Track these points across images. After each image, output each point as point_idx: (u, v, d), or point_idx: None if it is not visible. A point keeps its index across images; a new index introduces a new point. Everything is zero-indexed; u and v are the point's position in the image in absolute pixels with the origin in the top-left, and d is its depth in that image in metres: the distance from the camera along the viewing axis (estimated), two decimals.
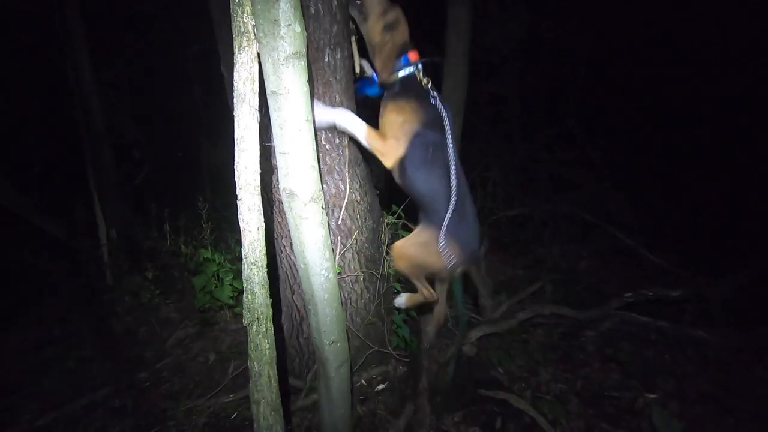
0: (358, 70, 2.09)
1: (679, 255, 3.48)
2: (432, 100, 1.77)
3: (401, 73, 1.81)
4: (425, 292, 2.07)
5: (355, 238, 2.20)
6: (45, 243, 4.96)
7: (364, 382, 2.34)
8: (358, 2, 1.84)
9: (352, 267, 2.24)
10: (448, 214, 1.79)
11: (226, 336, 3.09)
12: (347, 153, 2.10)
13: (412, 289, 2.18)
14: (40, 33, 4.65)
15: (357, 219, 2.20)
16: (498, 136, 5.04)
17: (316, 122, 1.54)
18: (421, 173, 1.78)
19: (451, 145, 1.76)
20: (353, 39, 2.03)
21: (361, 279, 2.28)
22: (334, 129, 2.02)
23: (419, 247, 1.92)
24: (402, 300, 2.24)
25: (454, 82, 3.36)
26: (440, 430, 2.03)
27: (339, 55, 1.95)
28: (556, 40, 5.19)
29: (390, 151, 1.77)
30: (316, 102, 1.78)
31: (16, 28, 4.67)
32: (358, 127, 1.80)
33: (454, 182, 1.78)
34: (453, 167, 1.78)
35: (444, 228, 1.79)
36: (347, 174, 2.11)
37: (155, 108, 5.71)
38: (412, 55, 1.82)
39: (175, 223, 4.16)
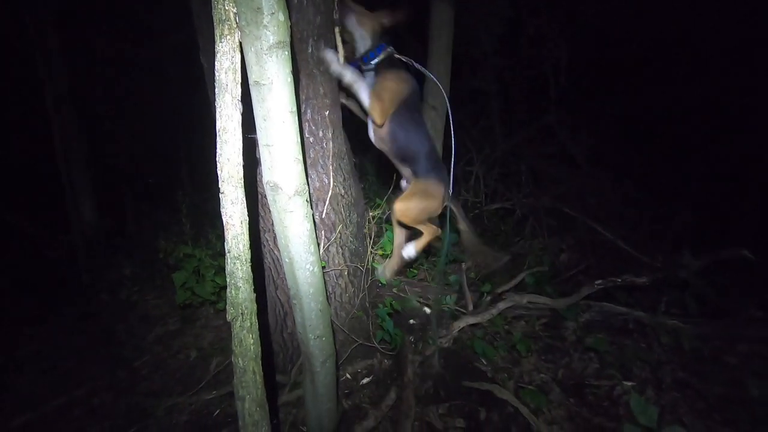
0: (342, 60, 2.07)
1: (658, 246, 3.58)
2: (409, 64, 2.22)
3: (383, 55, 2.16)
4: (431, 229, 2.40)
5: (339, 232, 2.18)
6: (17, 240, 4.79)
7: (349, 376, 2.34)
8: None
9: (337, 261, 2.23)
10: (432, 162, 2.26)
11: (207, 332, 3.04)
12: (331, 146, 2.08)
13: None
14: (6, 24, 4.45)
15: (341, 213, 2.19)
16: (480, 130, 5.07)
17: (330, 69, 2.00)
18: (406, 129, 2.18)
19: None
20: (337, 30, 2.01)
21: (346, 273, 2.27)
22: (317, 121, 2.01)
23: (420, 197, 2.26)
24: (411, 248, 2.46)
25: (436, 77, 3.35)
26: (425, 422, 2.05)
27: (323, 46, 1.92)
28: (537, 36, 5.24)
29: (385, 110, 2.11)
30: (332, 53, 2.02)
31: None
32: (363, 88, 2.10)
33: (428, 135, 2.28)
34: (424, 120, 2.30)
35: (436, 173, 2.25)
36: (331, 167, 2.09)
37: (131, 101, 5.54)
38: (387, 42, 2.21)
39: (153, 218, 4.07)
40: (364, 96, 2.10)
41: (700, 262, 2.93)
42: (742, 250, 2.85)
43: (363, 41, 2.16)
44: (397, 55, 2.20)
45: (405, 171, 2.38)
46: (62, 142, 4.33)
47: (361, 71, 2.16)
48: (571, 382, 2.32)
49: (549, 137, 5.30)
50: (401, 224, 2.40)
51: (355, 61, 2.18)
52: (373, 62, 2.14)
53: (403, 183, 2.49)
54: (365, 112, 2.21)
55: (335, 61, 2.02)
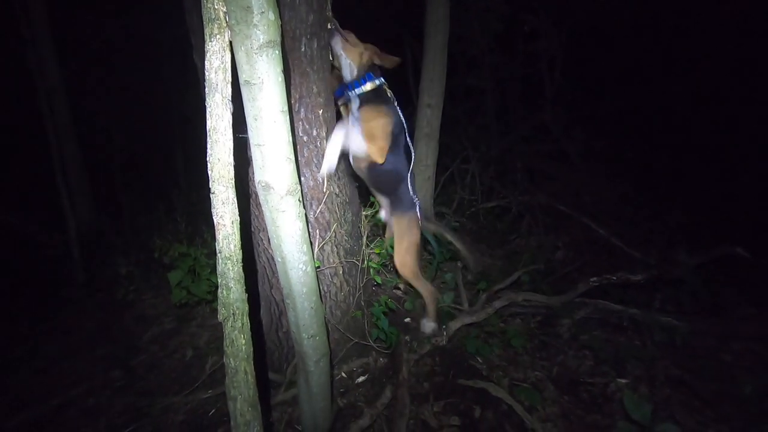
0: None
1: (653, 244, 3.59)
2: (394, 105, 2.17)
3: (377, 82, 2.12)
4: (429, 288, 2.46)
5: (333, 230, 2.18)
6: (12, 239, 4.77)
7: (344, 374, 2.34)
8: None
9: (331, 260, 2.23)
10: (408, 194, 2.29)
11: (203, 331, 3.04)
12: (325, 145, 2.07)
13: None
14: None
15: (336, 212, 2.19)
16: (476, 128, 5.07)
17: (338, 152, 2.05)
18: (392, 161, 2.17)
19: (407, 137, 2.24)
20: (330, 25, 2.00)
21: (341, 272, 2.27)
22: (310, 120, 2.00)
23: (407, 236, 2.33)
24: (429, 324, 2.53)
25: (432, 75, 3.35)
26: (420, 420, 2.05)
27: (316, 44, 1.92)
28: (533, 33, 5.24)
29: (384, 147, 2.10)
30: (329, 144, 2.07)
31: None
32: (354, 135, 2.08)
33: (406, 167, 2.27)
34: (407, 155, 2.26)
35: (411, 205, 2.31)
36: None
37: (126, 98, 5.51)
38: (377, 73, 2.16)
39: (148, 217, 4.05)
40: (359, 142, 2.07)
41: (694, 260, 2.96)
42: (736, 248, 2.88)
43: (349, 69, 2.12)
44: (385, 88, 2.15)
45: (382, 200, 2.42)
46: (56, 139, 4.30)
47: (347, 98, 2.14)
48: (565, 379, 2.33)
49: (544, 135, 5.31)
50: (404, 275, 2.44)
51: (341, 87, 2.15)
52: (356, 91, 2.10)
53: (382, 213, 2.51)
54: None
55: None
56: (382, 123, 2.09)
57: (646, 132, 5.55)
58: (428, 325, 2.52)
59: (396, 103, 2.18)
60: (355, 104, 2.12)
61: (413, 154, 2.29)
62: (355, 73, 2.13)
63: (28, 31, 4.09)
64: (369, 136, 2.06)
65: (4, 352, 3.24)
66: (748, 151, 4.76)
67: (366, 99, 2.10)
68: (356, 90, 2.09)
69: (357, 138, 2.07)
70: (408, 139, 2.25)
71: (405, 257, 2.35)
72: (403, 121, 2.20)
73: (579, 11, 5.00)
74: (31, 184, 5.21)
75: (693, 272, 2.86)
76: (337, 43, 2.09)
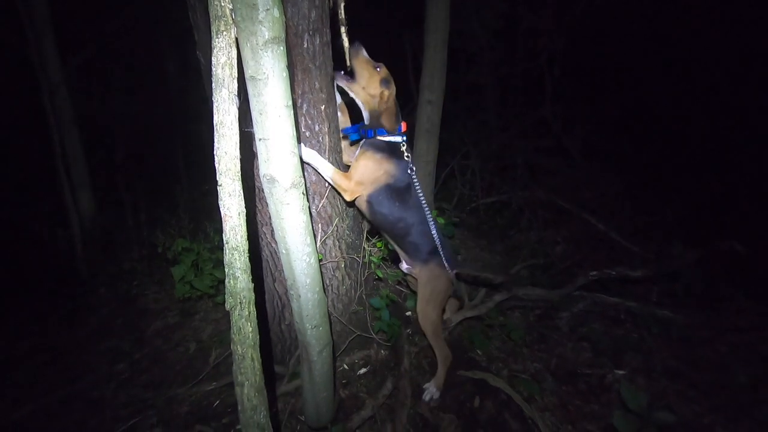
0: (348, 62, 2.09)
1: (650, 238, 3.63)
2: (408, 166, 2.06)
3: (391, 138, 2.05)
4: (446, 352, 2.23)
5: (335, 225, 2.21)
6: (16, 234, 4.80)
7: (346, 366, 2.38)
8: (342, 72, 2.08)
9: (333, 254, 2.26)
10: (427, 241, 2.14)
11: (206, 325, 3.08)
12: (327, 140, 2.10)
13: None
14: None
15: (338, 206, 2.22)
16: (476, 124, 5.10)
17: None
18: (387, 211, 2.07)
19: (418, 190, 2.09)
20: (344, 30, 2.03)
21: (343, 265, 2.30)
22: (313, 115, 2.03)
23: (431, 286, 2.18)
24: (434, 390, 2.21)
25: (432, 71, 3.38)
26: (417, 414, 2.09)
27: (318, 41, 1.94)
28: (533, 29, 5.26)
29: (350, 189, 2.01)
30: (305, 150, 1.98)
31: None
32: (324, 166, 2.00)
33: (428, 214, 2.11)
34: (425, 209, 2.11)
35: (440, 251, 2.13)
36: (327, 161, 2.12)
37: (128, 95, 5.53)
38: (404, 126, 2.10)
39: (151, 213, 4.09)
40: (326, 173, 2.00)
41: (691, 255, 2.99)
42: (732, 242, 2.91)
43: (362, 109, 2.11)
44: (402, 146, 2.06)
45: (400, 252, 2.29)
46: (59, 135, 4.33)
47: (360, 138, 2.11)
48: (563, 370, 2.37)
49: (544, 131, 5.33)
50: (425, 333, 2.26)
51: (354, 126, 2.14)
52: (368, 138, 2.06)
53: (403, 265, 2.34)
54: None
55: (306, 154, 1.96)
56: (363, 170, 2.02)
57: (644, 128, 5.58)
58: (431, 391, 2.21)
59: (410, 162, 2.06)
60: (360, 144, 2.10)
61: (425, 204, 2.12)
62: (366, 114, 2.10)
63: (30, 27, 4.11)
64: (337, 173, 2.00)
65: (9, 345, 3.28)
66: (745, 147, 4.80)
67: (370, 144, 2.06)
68: (369, 137, 2.07)
69: (326, 171, 2.00)
70: (421, 193, 2.11)
71: (426, 308, 2.19)
72: (413, 179, 2.07)
73: (579, 7, 5.01)
74: (34, 179, 5.24)
75: (690, 266, 2.90)
76: (341, 82, 2.07)
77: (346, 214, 2.28)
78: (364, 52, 2.07)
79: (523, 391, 2.16)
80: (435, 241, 2.13)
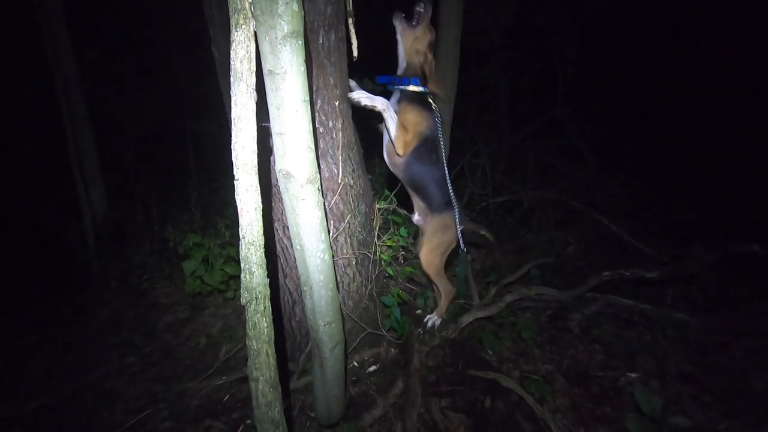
0: (356, 53, 2.08)
1: (665, 240, 3.58)
2: (436, 116, 2.21)
3: (422, 89, 2.16)
4: (448, 288, 2.51)
5: (347, 222, 2.21)
6: (29, 228, 4.86)
7: (356, 363, 2.38)
8: (404, 15, 2.13)
9: (345, 250, 2.25)
10: (443, 195, 2.31)
11: (216, 320, 3.09)
12: (340, 137, 2.09)
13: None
14: (16, 14, 4.47)
15: (350, 203, 2.21)
16: (487, 123, 5.06)
17: (356, 101, 2.04)
18: (420, 163, 2.22)
19: (441, 144, 2.25)
20: (351, 21, 2.02)
21: (354, 263, 2.30)
22: (327, 111, 2.02)
23: (439, 235, 2.37)
24: (435, 318, 2.56)
25: (444, 69, 3.35)
26: (426, 415, 2.07)
27: (333, 36, 1.93)
28: (546, 29, 5.21)
29: (408, 141, 2.14)
30: (359, 88, 2.12)
31: None
32: (392, 119, 2.10)
33: (446, 170, 2.28)
34: (444, 160, 2.28)
35: (453, 205, 2.32)
36: (340, 158, 2.11)
37: (140, 91, 5.57)
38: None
39: (162, 208, 4.10)
40: (392, 125, 2.10)
41: (711, 256, 2.94)
42: (752, 244, 2.86)
43: (400, 57, 2.19)
44: (430, 98, 2.19)
45: (416, 200, 2.43)
46: (72, 129, 4.36)
47: (391, 88, 2.20)
48: (575, 372, 2.34)
49: (556, 131, 5.28)
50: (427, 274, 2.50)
51: (388, 75, 2.20)
52: (400, 87, 2.16)
53: (415, 216, 2.53)
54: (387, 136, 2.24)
55: (362, 94, 2.04)
56: (415, 120, 2.13)
57: (658, 128, 5.51)
58: (434, 320, 2.55)
59: (438, 114, 2.21)
60: (395, 96, 2.18)
61: (445, 160, 2.29)
62: (403, 64, 2.18)
63: (45, 22, 4.15)
64: (400, 127, 2.11)
65: (21, 338, 3.32)
66: (763, 149, 4.71)
67: (408, 96, 2.15)
68: (400, 86, 2.15)
69: (393, 123, 2.10)
70: (443, 146, 2.26)
71: (431, 256, 2.41)
72: (440, 130, 2.21)
73: (593, 6, 4.95)
74: (47, 174, 5.29)
75: (706, 268, 2.85)
76: (399, 27, 2.14)
77: (358, 211, 2.28)
78: (430, 12, 2.13)
79: (534, 392, 2.14)
80: (450, 195, 2.29)
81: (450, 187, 2.29)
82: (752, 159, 4.73)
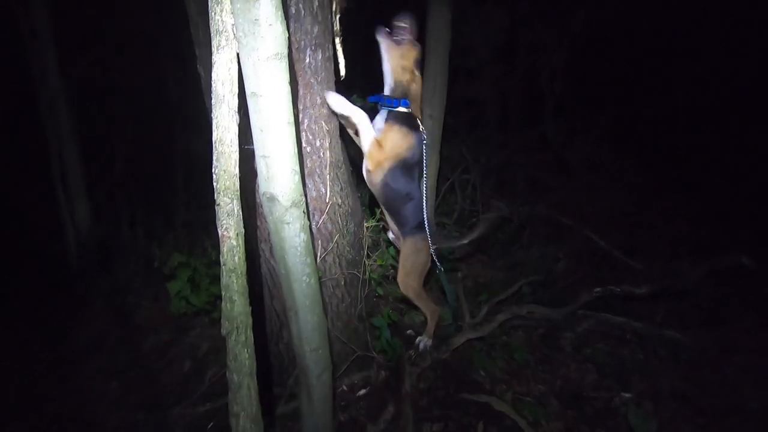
0: (343, 72, 2.07)
1: (654, 255, 3.57)
2: (422, 138, 2.19)
3: (403, 110, 2.12)
4: (432, 307, 2.48)
5: (336, 242, 2.17)
6: (10, 247, 4.73)
7: (345, 387, 2.31)
8: (388, 30, 2.09)
9: (333, 271, 2.21)
10: (417, 218, 2.26)
11: (202, 342, 2.99)
12: (328, 156, 2.07)
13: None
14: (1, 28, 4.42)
15: (338, 222, 2.17)
16: (476, 139, 5.07)
17: (332, 106, 1.98)
18: (397, 185, 2.17)
19: (425, 167, 2.24)
20: (338, 41, 2.01)
21: (342, 283, 2.25)
22: (314, 131, 2.00)
23: (413, 258, 2.32)
24: (426, 340, 2.49)
25: (433, 86, 3.35)
26: None
27: (320, 56, 1.92)
28: (534, 44, 5.28)
29: (380, 161, 2.10)
30: (336, 94, 2.01)
31: None
32: (368, 133, 2.08)
33: (425, 194, 2.27)
34: (424, 183, 2.26)
35: (424, 227, 2.26)
36: (328, 177, 2.08)
37: (127, 106, 5.50)
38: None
39: (148, 227, 4.02)
40: (367, 140, 2.08)
41: (699, 270, 2.94)
42: (741, 257, 2.86)
43: (386, 74, 2.14)
44: (418, 120, 2.18)
45: (390, 222, 2.40)
46: (57, 146, 4.28)
47: (379, 108, 2.17)
48: (568, 393, 2.30)
49: (545, 145, 5.31)
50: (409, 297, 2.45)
51: (377, 95, 2.17)
52: (389, 107, 2.12)
53: (390, 234, 2.53)
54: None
55: (340, 100, 2.00)
56: (396, 142, 2.10)
57: (647, 143, 5.57)
58: (424, 341, 2.48)
59: (424, 135, 2.19)
60: (382, 115, 2.14)
61: (426, 182, 2.28)
62: (390, 82, 2.14)
63: (30, 36, 4.10)
64: (375, 144, 2.08)
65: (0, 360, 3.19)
66: (751, 161, 4.77)
67: (395, 116, 2.11)
68: (389, 106, 2.12)
69: (368, 137, 2.07)
70: (426, 168, 2.25)
71: (407, 280, 2.36)
72: (425, 154, 2.21)
73: (580, 22, 5.03)
74: (30, 190, 5.18)
75: (697, 283, 2.85)
76: (384, 39, 2.08)
77: (347, 230, 2.24)
78: (415, 29, 2.11)
79: (527, 415, 2.09)
80: (423, 216, 2.26)
81: (425, 211, 2.25)
82: (746, 170, 4.78)
